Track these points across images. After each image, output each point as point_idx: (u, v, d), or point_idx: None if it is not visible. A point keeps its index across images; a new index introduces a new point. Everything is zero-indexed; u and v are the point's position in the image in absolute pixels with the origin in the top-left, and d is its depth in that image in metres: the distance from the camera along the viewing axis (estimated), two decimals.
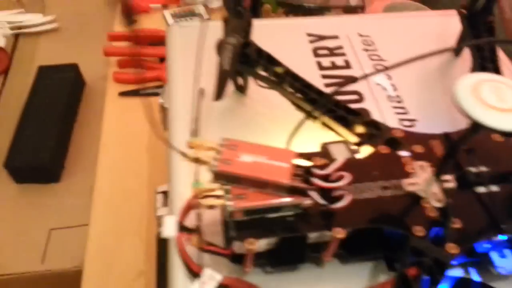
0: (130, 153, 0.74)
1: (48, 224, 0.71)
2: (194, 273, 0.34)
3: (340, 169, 0.33)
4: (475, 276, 0.36)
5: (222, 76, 0.42)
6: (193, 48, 0.47)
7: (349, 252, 0.36)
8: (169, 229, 0.29)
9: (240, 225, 0.32)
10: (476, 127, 0.28)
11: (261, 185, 0.31)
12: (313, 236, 0.34)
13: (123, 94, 0.83)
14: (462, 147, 0.37)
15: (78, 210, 0.71)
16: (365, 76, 0.41)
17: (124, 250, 0.61)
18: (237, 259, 0.34)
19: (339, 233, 0.32)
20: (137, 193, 0.67)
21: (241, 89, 0.50)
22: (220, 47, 0.44)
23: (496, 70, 0.48)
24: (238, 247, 0.33)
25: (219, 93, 0.42)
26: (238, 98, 0.51)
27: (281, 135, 0.39)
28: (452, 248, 0.32)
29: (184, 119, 0.46)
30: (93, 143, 0.78)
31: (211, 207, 0.31)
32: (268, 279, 0.35)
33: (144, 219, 0.64)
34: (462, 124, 0.38)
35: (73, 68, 0.91)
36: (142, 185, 0.68)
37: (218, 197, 0.32)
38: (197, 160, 0.31)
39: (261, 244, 0.33)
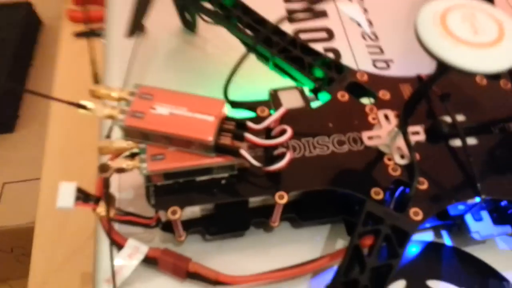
0: (85, 99, 0.67)
1: (1, 178, 0.66)
2: (118, 244, 0.29)
3: (280, 120, 0.27)
4: (448, 240, 0.32)
5: (140, 2, 0.34)
6: None
7: (302, 215, 0.31)
8: (65, 198, 0.24)
9: (160, 191, 0.27)
10: (443, 69, 0.22)
11: (183, 143, 0.25)
12: (253, 200, 0.29)
13: (80, 35, 0.75)
14: (436, 93, 0.31)
15: (34, 163, 0.66)
16: None
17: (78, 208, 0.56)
18: (169, 226, 0.29)
19: (282, 197, 0.27)
20: (92, 146, 0.61)
21: (190, 26, 0.43)
22: None
23: None
24: (163, 215, 0.28)
25: (133, 26, 0.34)
26: (186, 37, 0.43)
27: (233, 83, 0.33)
28: (416, 214, 0.27)
29: (121, 63, 0.40)
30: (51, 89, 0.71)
31: (120, 170, 0.25)
32: (209, 247, 0.31)
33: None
34: None
35: (26, 7, 0.82)
36: (97, 137, 0.62)
37: (131, 157, 0.26)
38: (101, 113, 0.25)
39: (188, 212, 0.28)
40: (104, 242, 0.31)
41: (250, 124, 0.26)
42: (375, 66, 0.42)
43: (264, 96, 0.32)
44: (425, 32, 0.21)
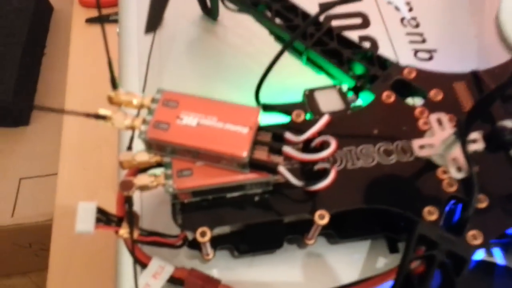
0: (101, 92, 0.64)
1: (18, 173, 0.64)
2: (142, 263, 0.26)
3: (323, 130, 0.24)
4: (500, 259, 0.28)
5: None
6: None
7: (340, 230, 0.28)
8: (85, 220, 0.21)
9: (187, 209, 0.24)
10: None
11: (212, 158, 0.22)
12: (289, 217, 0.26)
13: (91, 20, 0.72)
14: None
15: (50, 157, 0.64)
16: None
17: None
18: (195, 244, 0.26)
19: (323, 217, 0.24)
20: (109, 139, 0.59)
21: (210, 13, 0.39)
22: None
23: None
24: (190, 234, 0.25)
25: (154, 21, 0.31)
26: (206, 25, 0.40)
27: (259, 77, 0.29)
28: (475, 237, 0.23)
29: (135, 56, 0.36)
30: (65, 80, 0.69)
31: (144, 188, 0.23)
32: (239, 263, 0.28)
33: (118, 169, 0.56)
34: (497, 57, 0.27)
35: None
36: (115, 130, 0.59)
37: (155, 175, 0.23)
38: (121, 124, 0.22)
39: (217, 230, 0.25)
40: (126, 258, 0.29)
41: (288, 135, 0.23)
42: (416, 57, 0.38)
43: (296, 95, 0.29)
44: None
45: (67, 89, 0.65)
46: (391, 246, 0.28)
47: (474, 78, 0.29)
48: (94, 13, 0.73)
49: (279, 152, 0.22)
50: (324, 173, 0.23)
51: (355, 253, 0.28)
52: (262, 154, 0.22)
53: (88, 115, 0.21)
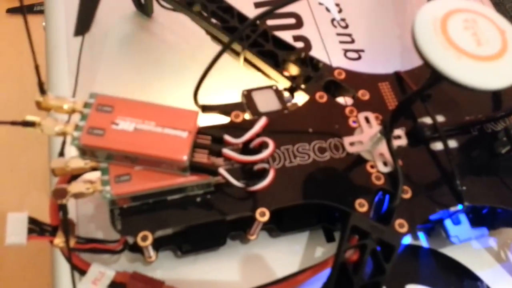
0: (27, 89, 0.60)
1: None
2: (80, 270, 0.26)
3: (261, 132, 0.24)
4: (424, 242, 0.31)
5: None
6: None
7: (281, 226, 0.29)
8: (16, 232, 0.20)
9: (126, 214, 0.23)
10: (438, 79, 0.20)
11: (151, 162, 0.22)
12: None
13: (11, 11, 0.66)
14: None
15: None
16: None
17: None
18: (137, 247, 0.26)
19: (263, 214, 0.25)
20: (40, 138, 0.55)
21: (144, 10, 0.38)
22: None
23: None
24: (131, 239, 0.25)
25: (84, 21, 0.30)
26: (140, 22, 0.39)
27: (195, 76, 0.29)
28: (401, 225, 0.26)
29: (65, 56, 0.35)
30: None
31: (79, 195, 0.22)
32: (182, 262, 0.28)
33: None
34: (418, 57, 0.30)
35: None
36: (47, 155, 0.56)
37: (91, 181, 0.22)
38: (51, 131, 0.21)
39: (158, 232, 0.25)
40: (64, 264, 0.28)
41: (227, 138, 0.23)
42: (346, 57, 0.40)
43: (234, 95, 0.29)
44: (425, 41, 0.19)
45: None
46: (327, 235, 0.30)
47: (397, 79, 0.31)
48: (16, 2, 0.68)
49: (219, 154, 0.23)
50: (263, 173, 0.24)
51: (295, 245, 0.30)
52: (202, 157, 0.22)
53: (13, 123, 0.20)
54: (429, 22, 0.19)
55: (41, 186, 0.55)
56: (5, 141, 0.56)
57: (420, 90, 0.21)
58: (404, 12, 0.44)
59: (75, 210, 0.28)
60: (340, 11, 0.43)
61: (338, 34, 0.41)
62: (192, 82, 0.29)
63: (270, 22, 0.40)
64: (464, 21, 0.19)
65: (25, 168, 0.56)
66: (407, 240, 0.31)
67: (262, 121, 0.24)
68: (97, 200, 0.27)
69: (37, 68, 0.21)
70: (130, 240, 0.25)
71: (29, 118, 0.21)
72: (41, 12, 0.67)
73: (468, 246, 0.32)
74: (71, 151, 0.23)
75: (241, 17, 0.32)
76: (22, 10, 0.23)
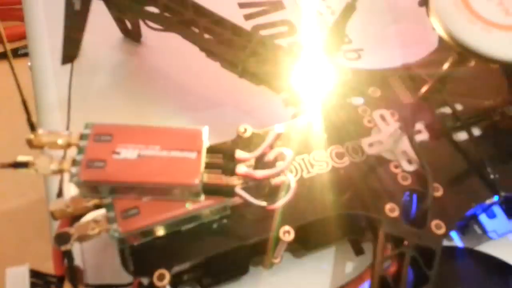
0: (18, 134, 0.58)
1: None
2: None
3: (275, 143, 0.22)
4: (458, 241, 0.29)
5: (74, 21, 0.27)
6: None
7: (304, 242, 0.26)
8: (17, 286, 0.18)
9: (139, 252, 0.21)
10: (463, 57, 0.18)
11: (160, 191, 0.20)
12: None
13: None
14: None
15: None
16: None
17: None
18: (153, 286, 0.23)
19: (288, 233, 0.22)
20: (36, 184, 0.53)
21: (132, 36, 0.36)
22: None
23: None
24: (145, 279, 0.23)
25: (69, 51, 0.28)
26: (129, 48, 0.37)
27: (194, 99, 0.27)
28: (438, 226, 0.23)
29: (54, 90, 0.33)
30: None
31: (84, 237, 0.19)
32: None
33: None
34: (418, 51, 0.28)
35: None
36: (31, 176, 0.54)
37: (95, 220, 0.20)
38: (46, 170, 0.19)
39: (177, 269, 0.23)
40: None
41: (240, 154, 0.21)
42: (345, 57, 0.38)
43: None
44: (448, 19, 0.17)
45: None
46: (355, 248, 0.28)
47: (406, 71, 0.29)
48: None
49: (232, 173, 0.21)
50: (279, 189, 0.22)
51: (322, 262, 0.27)
52: (215, 178, 0.20)
53: (3, 166, 0.18)
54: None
55: (42, 235, 0.53)
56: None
57: (444, 74, 0.19)
58: (396, 5, 0.43)
59: (80, 255, 0.25)
60: (332, 13, 0.41)
61: None
62: (190, 102, 0.27)
63: (264, 33, 0.39)
64: None
65: (23, 215, 0.53)
66: None
67: (274, 133, 0.22)
68: (104, 241, 0.25)
69: (24, 103, 0.19)
70: (145, 281, 0.23)
71: (21, 158, 0.19)
72: (26, 55, 0.66)
73: (505, 240, 0.29)
74: (71, 189, 0.21)
75: (235, 28, 0.30)
76: (7, 54, 0.22)
